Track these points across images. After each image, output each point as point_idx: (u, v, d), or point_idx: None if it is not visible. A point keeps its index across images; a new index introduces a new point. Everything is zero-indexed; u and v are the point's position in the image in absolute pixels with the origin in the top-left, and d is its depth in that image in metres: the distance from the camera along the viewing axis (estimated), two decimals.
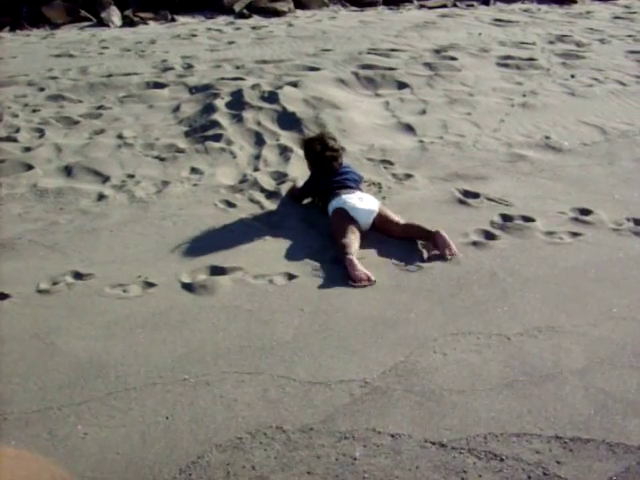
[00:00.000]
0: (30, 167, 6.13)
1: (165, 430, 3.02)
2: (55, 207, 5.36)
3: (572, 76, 8.93)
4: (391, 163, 6.09)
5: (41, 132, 7.10)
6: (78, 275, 4.34)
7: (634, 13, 14.62)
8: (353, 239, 4.53)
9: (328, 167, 5.19)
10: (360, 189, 5.16)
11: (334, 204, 4.86)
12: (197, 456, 2.88)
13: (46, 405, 3.18)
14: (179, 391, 3.26)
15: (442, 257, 4.41)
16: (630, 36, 11.80)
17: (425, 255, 4.48)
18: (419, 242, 4.62)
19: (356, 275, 4.21)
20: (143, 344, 3.62)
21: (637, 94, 8.09)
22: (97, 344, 3.63)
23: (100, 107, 8.01)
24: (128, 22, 14.54)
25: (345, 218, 4.72)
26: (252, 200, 5.38)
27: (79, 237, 4.86)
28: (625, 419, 3.02)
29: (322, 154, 5.18)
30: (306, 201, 5.33)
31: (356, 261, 4.29)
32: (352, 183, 5.13)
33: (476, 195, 5.38)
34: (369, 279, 4.20)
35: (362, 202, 4.80)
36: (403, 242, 4.64)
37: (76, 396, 3.24)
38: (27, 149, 6.60)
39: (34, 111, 7.86)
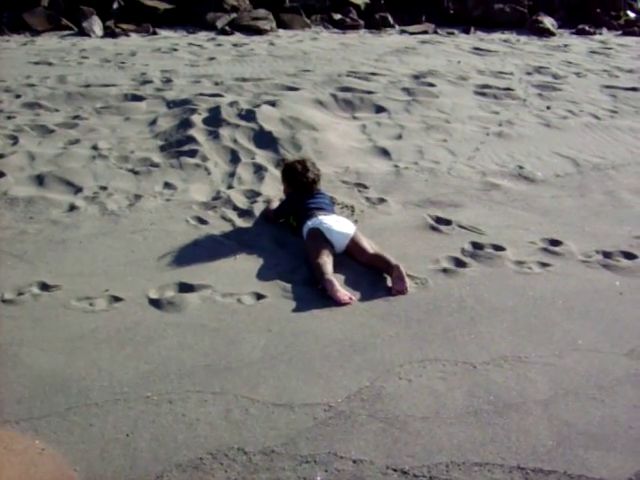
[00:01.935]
0: (1, 174, 6.06)
1: (125, 447, 2.98)
2: (25, 216, 5.30)
3: (548, 107, 9.05)
4: (365, 187, 6.10)
5: (15, 139, 7.04)
6: (45, 286, 4.28)
7: (610, 49, 14.88)
8: (327, 260, 4.52)
9: (307, 189, 5.20)
10: (335, 212, 5.18)
11: (310, 224, 4.85)
12: (156, 475, 2.84)
13: (4, 419, 3.12)
14: (141, 408, 3.22)
15: (390, 290, 4.36)
16: (605, 71, 11.99)
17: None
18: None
19: (339, 297, 4.19)
20: (107, 359, 3.58)
21: (610, 128, 8.21)
22: (60, 357, 3.58)
23: (76, 117, 7.97)
24: (109, 33, 14.53)
25: (320, 239, 4.71)
26: (224, 218, 5.36)
27: (48, 247, 4.81)
28: (587, 451, 3.03)
29: (304, 175, 5.18)
30: (280, 221, 5.31)
31: (335, 282, 4.28)
32: (328, 207, 5.15)
33: (448, 222, 5.40)
34: (350, 298, 4.21)
35: (338, 225, 4.80)
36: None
37: (35, 410, 3.19)
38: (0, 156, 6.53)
39: (9, 118, 7.80)
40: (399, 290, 4.31)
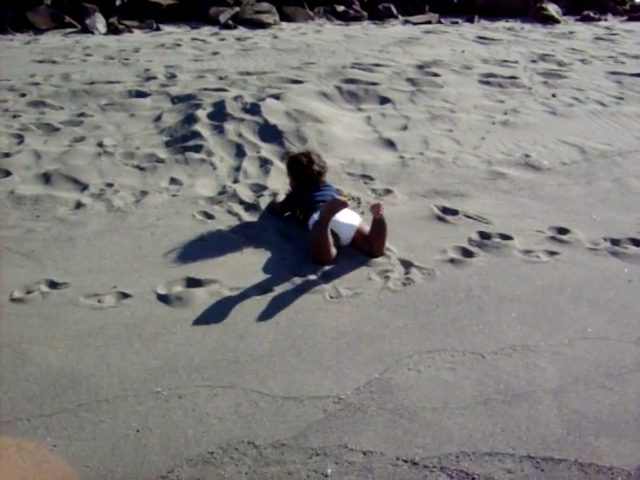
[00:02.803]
0: (8, 173, 6.07)
1: (136, 443, 2.99)
2: (32, 215, 5.31)
3: (553, 95, 9.01)
4: (371, 178, 6.09)
5: (20, 138, 7.05)
6: (53, 284, 4.29)
7: (615, 35, 14.81)
8: (330, 247, 4.55)
9: (312, 181, 5.20)
10: None
11: (315, 217, 4.82)
12: (167, 470, 2.85)
13: (15, 416, 3.14)
14: (151, 404, 3.23)
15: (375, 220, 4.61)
16: (611, 57, 11.94)
17: (403, 271, 4.49)
18: (397, 259, 4.63)
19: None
20: (116, 355, 3.59)
21: (616, 115, 8.17)
22: (70, 354, 3.59)
23: (81, 114, 7.97)
24: (113, 30, 14.51)
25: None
26: (231, 212, 5.36)
27: (55, 245, 4.82)
28: (597, 439, 3.03)
29: (309, 168, 5.18)
30: (286, 214, 5.31)
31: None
32: None
33: (455, 212, 5.39)
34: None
35: (344, 216, 4.78)
36: (380, 259, 4.63)
37: (46, 407, 3.20)
38: (6, 155, 6.53)
39: (14, 117, 7.80)
40: (376, 212, 4.54)
